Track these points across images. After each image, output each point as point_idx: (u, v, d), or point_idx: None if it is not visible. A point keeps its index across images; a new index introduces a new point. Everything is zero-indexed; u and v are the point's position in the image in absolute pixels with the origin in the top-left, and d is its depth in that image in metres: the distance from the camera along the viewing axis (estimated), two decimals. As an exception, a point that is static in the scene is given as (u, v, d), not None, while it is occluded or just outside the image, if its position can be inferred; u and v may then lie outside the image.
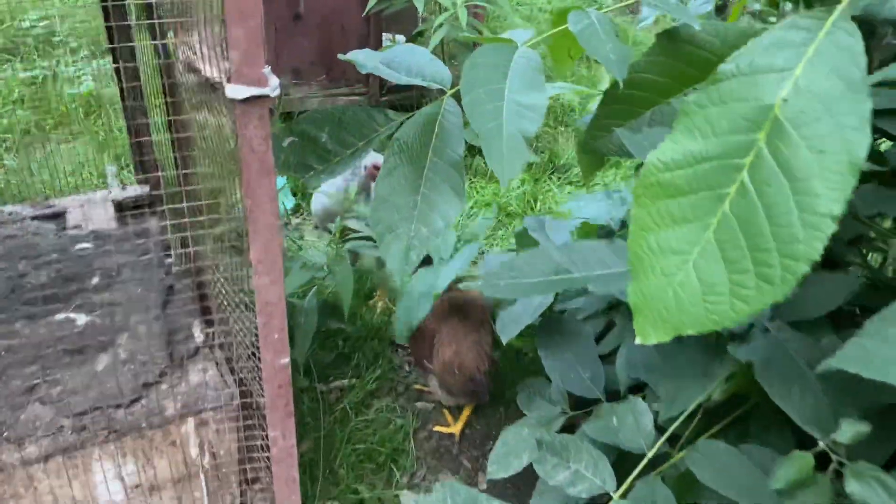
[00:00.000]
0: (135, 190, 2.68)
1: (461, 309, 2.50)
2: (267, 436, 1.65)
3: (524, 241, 2.59)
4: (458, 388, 2.43)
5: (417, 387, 2.86)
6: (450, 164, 1.56)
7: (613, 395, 2.03)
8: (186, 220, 1.61)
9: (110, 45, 2.18)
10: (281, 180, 3.97)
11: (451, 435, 2.64)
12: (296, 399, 2.72)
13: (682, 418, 1.58)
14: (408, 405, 2.79)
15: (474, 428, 2.68)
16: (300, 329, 2.32)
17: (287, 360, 1.54)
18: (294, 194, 4.01)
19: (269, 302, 1.45)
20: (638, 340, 1.01)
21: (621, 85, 1.46)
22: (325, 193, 3.01)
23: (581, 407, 2.08)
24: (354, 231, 2.55)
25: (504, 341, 2.13)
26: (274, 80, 1.21)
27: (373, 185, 3.05)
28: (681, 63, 1.58)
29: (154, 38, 1.73)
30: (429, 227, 1.52)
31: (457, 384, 2.40)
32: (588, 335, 2.13)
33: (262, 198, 1.30)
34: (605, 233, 2.43)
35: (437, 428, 2.66)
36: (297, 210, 3.99)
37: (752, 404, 1.65)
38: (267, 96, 1.20)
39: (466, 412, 2.67)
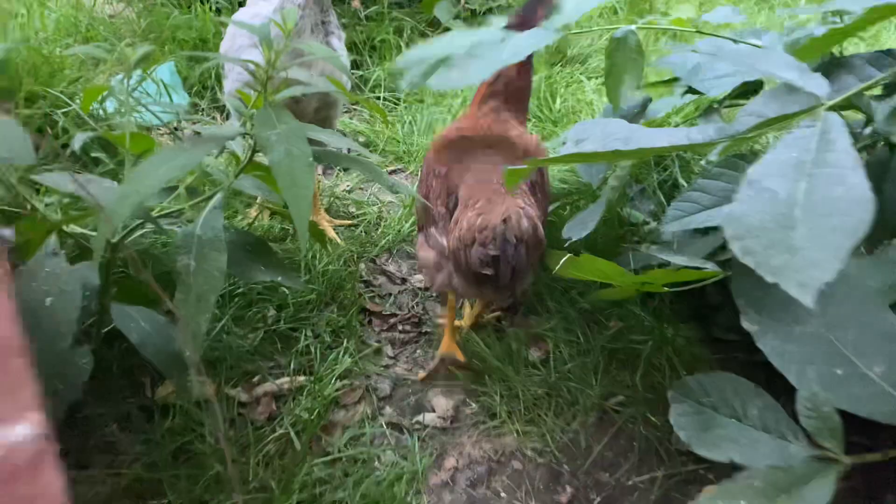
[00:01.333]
0: None
1: (503, 150, 1.54)
2: None
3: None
4: (477, 261, 1.37)
5: (422, 376, 1.62)
6: None
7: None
8: None
9: None
10: (165, 68, 2.58)
11: (487, 471, 1.42)
12: (189, 424, 1.43)
13: None
14: (403, 420, 1.54)
15: (537, 461, 1.45)
16: (188, 286, 1.01)
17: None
18: (189, 90, 2.63)
19: None
20: None
21: None
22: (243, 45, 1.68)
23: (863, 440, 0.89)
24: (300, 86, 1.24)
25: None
26: None
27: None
28: None
29: None
30: None
31: (475, 256, 1.37)
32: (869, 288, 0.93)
33: None
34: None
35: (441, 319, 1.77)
36: (193, 111, 2.61)
37: None
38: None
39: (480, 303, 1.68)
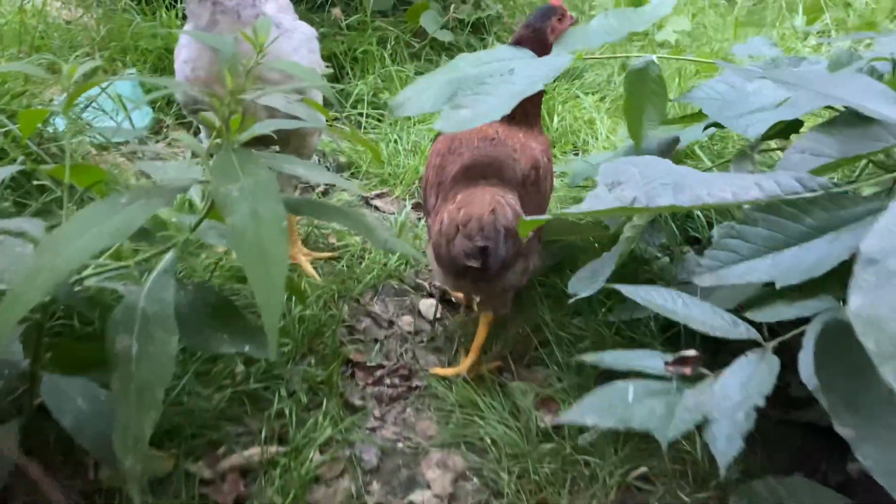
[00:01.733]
0: None
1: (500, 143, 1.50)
2: None
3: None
4: (462, 253, 1.36)
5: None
6: None
7: None
8: None
9: None
10: (126, 84, 2.34)
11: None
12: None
13: None
14: (394, 501, 1.32)
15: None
16: (128, 376, 0.79)
17: None
18: (152, 104, 2.39)
19: None
20: None
21: None
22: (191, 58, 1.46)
23: None
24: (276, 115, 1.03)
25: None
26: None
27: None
28: None
29: None
30: None
31: (459, 249, 1.36)
32: None
33: None
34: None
35: (434, 371, 1.59)
36: (156, 129, 2.38)
37: None
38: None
39: (482, 332, 1.55)
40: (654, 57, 1.33)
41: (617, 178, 0.90)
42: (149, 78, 2.23)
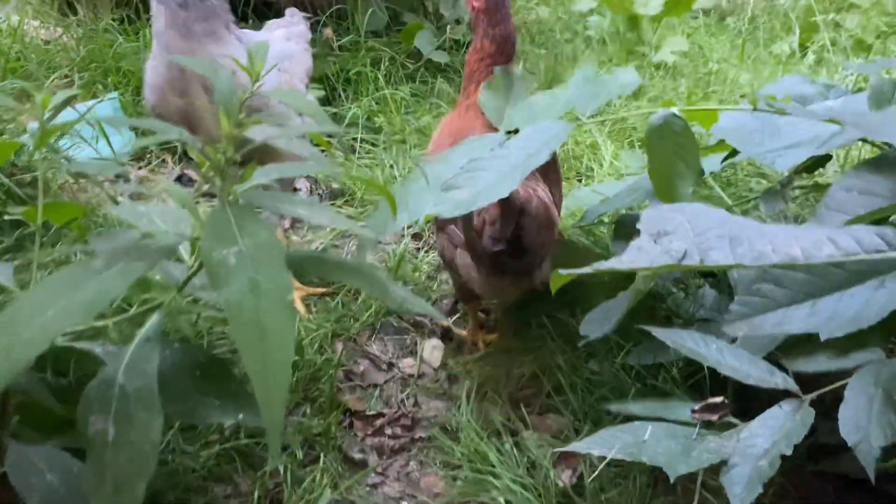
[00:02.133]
0: None
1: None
2: None
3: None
4: (489, 241, 1.36)
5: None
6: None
7: None
8: None
9: None
10: (107, 104, 2.22)
11: None
12: None
13: None
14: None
15: None
16: (103, 465, 0.67)
17: None
18: (135, 128, 2.27)
19: None
20: None
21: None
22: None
23: None
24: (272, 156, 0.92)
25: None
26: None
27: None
28: None
29: None
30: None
31: (489, 238, 1.35)
32: None
33: None
34: None
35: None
36: (139, 155, 2.26)
37: None
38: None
39: None
40: (674, 110, 1.23)
41: (663, 228, 0.80)
42: (135, 121, 2.12)
